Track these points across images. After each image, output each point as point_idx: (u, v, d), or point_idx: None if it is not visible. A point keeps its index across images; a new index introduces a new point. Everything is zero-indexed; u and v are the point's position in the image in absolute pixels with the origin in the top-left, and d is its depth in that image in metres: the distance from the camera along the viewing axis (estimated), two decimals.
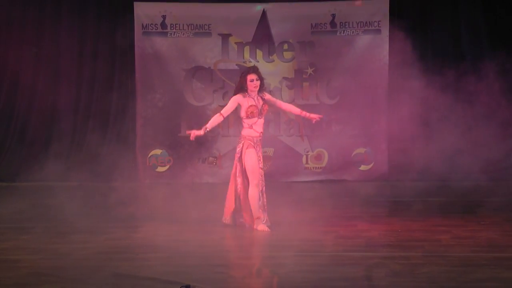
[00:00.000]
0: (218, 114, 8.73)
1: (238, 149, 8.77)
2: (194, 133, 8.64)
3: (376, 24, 12.68)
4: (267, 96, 8.90)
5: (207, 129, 8.66)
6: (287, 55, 12.88)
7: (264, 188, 8.80)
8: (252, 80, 8.65)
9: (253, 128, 8.72)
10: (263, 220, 8.67)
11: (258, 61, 12.81)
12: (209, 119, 8.81)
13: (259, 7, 12.72)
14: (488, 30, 12.78)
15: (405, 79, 11.89)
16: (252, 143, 8.70)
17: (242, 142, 8.74)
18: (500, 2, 12.76)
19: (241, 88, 8.69)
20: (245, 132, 8.74)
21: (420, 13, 12.92)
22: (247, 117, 8.68)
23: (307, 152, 12.92)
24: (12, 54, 13.00)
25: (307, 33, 12.78)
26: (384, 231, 8.58)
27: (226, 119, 9.07)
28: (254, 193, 8.62)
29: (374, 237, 8.29)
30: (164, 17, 12.80)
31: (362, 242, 8.00)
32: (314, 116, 8.87)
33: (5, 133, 13.19)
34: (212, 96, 12.76)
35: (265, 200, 8.79)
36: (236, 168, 8.78)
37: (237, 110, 8.74)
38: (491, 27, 12.75)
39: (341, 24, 12.74)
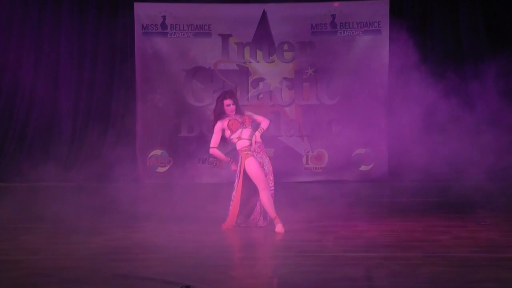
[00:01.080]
0: (214, 149, 8.85)
1: (239, 164, 8.81)
2: (233, 165, 8.87)
3: (376, 24, 12.68)
4: (248, 112, 8.99)
5: (229, 159, 8.87)
6: (287, 55, 12.88)
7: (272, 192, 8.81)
8: (228, 105, 8.79)
9: (242, 138, 8.77)
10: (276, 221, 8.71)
11: (258, 62, 12.82)
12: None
13: None
14: (488, 31, 12.78)
15: (405, 79, 11.89)
16: (250, 152, 8.73)
17: (240, 155, 8.80)
18: (500, 3, 12.77)
19: (220, 112, 8.80)
20: (239, 146, 8.82)
21: (420, 14, 12.93)
22: (232, 132, 8.77)
23: (307, 152, 12.93)
24: (12, 55, 13.00)
25: (307, 33, 12.79)
26: (384, 232, 8.57)
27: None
28: (264, 196, 8.67)
29: (374, 237, 8.28)
30: (164, 17, 12.80)
31: (362, 243, 7.99)
32: (257, 139, 8.79)
33: (5, 133, 13.19)
34: (212, 97, 12.74)
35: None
36: (239, 178, 8.79)
37: (223, 136, 8.80)
38: (491, 27, 12.76)
39: (341, 24, 12.75)
